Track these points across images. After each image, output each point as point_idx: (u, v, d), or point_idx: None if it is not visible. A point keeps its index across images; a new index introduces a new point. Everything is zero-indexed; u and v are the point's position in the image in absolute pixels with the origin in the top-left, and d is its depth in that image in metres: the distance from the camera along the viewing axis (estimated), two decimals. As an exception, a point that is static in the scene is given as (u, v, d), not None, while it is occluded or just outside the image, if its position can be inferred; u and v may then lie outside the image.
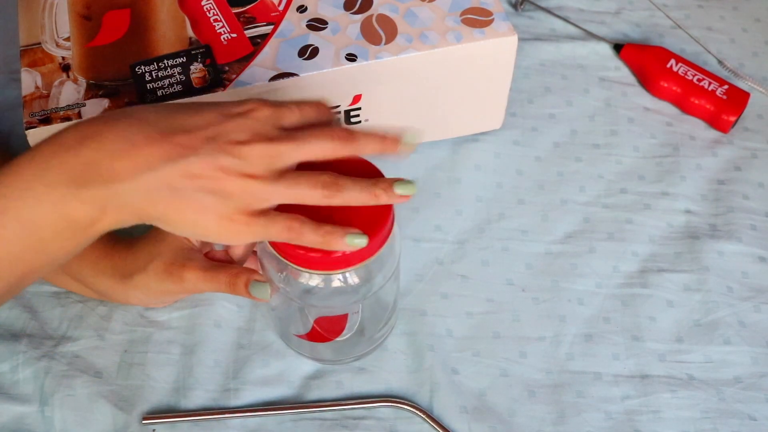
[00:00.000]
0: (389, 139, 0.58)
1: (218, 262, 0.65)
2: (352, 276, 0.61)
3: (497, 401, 0.68)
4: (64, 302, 0.71)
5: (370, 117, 0.75)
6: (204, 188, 0.53)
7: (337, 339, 0.67)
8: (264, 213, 0.55)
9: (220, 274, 0.63)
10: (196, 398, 0.68)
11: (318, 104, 0.59)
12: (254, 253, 0.67)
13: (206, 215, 0.54)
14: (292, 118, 0.57)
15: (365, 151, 0.57)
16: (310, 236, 0.56)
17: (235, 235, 0.55)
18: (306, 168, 0.56)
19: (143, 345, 0.70)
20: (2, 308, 0.71)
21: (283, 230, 0.55)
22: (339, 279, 0.61)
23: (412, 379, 0.69)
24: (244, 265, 0.66)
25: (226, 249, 0.67)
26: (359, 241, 0.57)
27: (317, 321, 0.65)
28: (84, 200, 0.52)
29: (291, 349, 0.70)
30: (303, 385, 0.69)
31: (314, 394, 0.68)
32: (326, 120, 0.59)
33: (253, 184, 0.54)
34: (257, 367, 0.69)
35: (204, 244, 0.67)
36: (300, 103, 0.58)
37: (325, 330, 0.66)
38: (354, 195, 0.56)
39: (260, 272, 0.63)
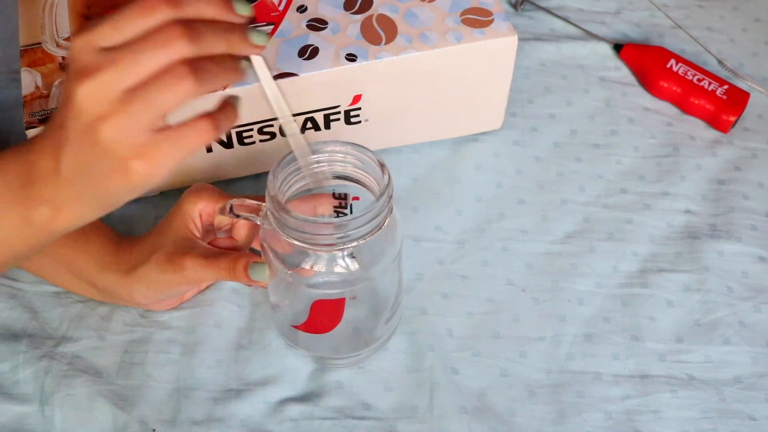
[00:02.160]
0: (236, 37, 0.51)
1: (221, 249, 0.66)
2: (353, 262, 0.62)
3: (497, 401, 0.68)
4: (65, 302, 0.71)
5: (370, 117, 0.75)
6: (92, 156, 0.49)
7: (334, 331, 0.66)
8: (155, 140, 0.48)
9: (220, 260, 0.64)
10: (197, 398, 0.68)
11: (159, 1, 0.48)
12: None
13: (115, 178, 0.50)
14: (111, 38, 0.48)
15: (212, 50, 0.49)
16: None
17: (152, 169, 0.49)
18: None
19: (143, 345, 0.70)
20: (2, 308, 0.71)
21: (196, 131, 0.49)
22: (341, 264, 0.62)
23: (412, 379, 0.69)
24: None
25: (230, 235, 0.68)
26: None
27: (314, 306, 0.64)
28: (34, 199, 0.52)
29: (291, 349, 0.70)
30: (304, 385, 0.69)
31: (315, 395, 0.68)
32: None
33: (110, 127, 0.48)
34: (258, 368, 0.69)
35: (207, 233, 0.67)
36: (127, 8, 0.48)
37: (323, 318, 0.66)
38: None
39: (262, 257, 0.64)
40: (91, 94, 0.47)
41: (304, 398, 0.68)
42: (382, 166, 0.61)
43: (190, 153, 0.49)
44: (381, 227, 0.60)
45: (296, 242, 0.59)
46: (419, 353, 0.70)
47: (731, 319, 0.72)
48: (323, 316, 0.66)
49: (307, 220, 0.58)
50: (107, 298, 0.70)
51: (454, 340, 0.71)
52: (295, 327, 0.67)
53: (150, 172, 0.49)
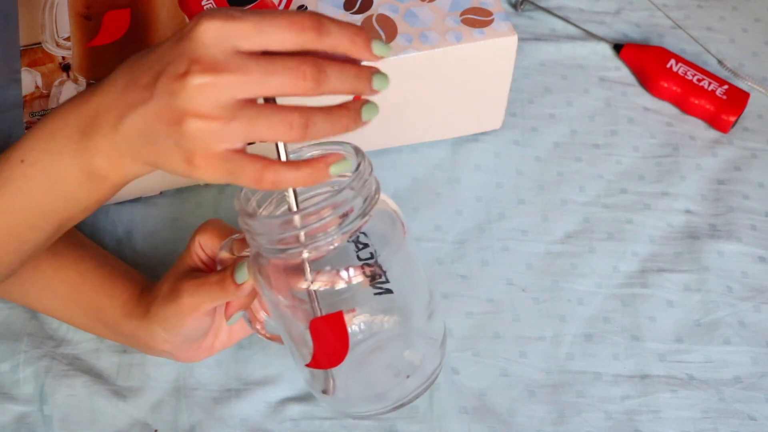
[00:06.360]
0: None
1: None
2: (356, 272, 0.57)
3: (497, 401, 0.68)
4: (65, 302, 0.71)
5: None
6: (164, 132, 0.50)
7: (346, 361, 0.59)
8: (226, 156, 0.50)
9: (210, 276, 0.61)
10: (197, 398, 0.68)
11: (308, 21, 0.49)
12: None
13: (174, 158, 0.50)
14: (251, 39, 0.48)
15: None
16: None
17: (207, 176, 0.51)
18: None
19: (143, 345, 0.70)
20: (3, 308, 0.71)
21: (254, 172, 0.50)
22: (343, 275, 0.57)
23: (413, 379, 0.69)
24: None
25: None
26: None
27: (311, 326, 0.58)
28: (92, 151, 0.52)
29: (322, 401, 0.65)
30: (304, 385, 0.69)
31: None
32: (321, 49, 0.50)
33: (202, 125, 0.48)
34: (258, 368, 0.69)
35: (210, 261, 0.64)
36: (275, 17, 0.49)
37: (326, 344, 0.59)
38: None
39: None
40: (206, 90, 0.48)
41: (304, 398, 0.68)
42: (357, 150, 0.57)
43: (237, 182, 0.51)
44: (372, 201, 0.56)
45: (291, 250, 0.55)
46: (419, 353, 0.70)
47: (731, 319, 0.72)
48: (326, 341, 0.59)
49: (281, 215, 0.56)
50: (135, 346, 0.67)
51: (454, 340, 0.71)
52: (308, 366, 0.61)
53: (206, 174, 0.50)
